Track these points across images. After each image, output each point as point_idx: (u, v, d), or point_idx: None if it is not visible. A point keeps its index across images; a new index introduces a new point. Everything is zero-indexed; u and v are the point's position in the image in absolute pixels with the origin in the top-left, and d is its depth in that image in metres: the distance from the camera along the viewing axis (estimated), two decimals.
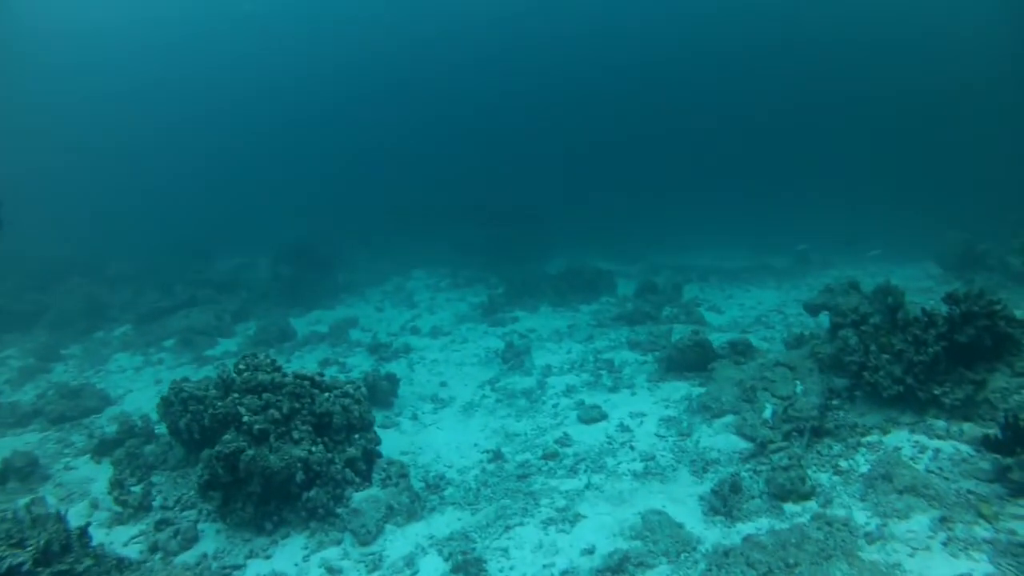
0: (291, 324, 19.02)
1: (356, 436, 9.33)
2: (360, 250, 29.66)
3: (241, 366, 9.18)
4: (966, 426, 8.44)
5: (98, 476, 9.99)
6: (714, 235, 31.70)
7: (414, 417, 12.06)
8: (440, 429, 11.51)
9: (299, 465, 8.36)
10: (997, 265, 17.73)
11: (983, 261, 18.31)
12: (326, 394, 9.31)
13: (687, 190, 45.36)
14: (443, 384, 13.75)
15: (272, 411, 8.71)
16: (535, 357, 14.83)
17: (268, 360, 9.35)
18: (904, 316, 9.66)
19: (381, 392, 12.47)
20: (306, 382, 9.25)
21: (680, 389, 11.67)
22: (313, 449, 8.62)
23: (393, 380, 12.89)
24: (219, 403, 8.76)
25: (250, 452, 8.21)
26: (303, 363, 15.74)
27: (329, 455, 8.78)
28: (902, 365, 9.10)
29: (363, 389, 9.91)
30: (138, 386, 15.03)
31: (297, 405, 8.97)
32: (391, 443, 10.72)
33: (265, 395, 8.84)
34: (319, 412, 9.08)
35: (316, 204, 43.64)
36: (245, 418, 8.53)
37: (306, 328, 19.12)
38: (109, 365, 17.06)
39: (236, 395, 8.82)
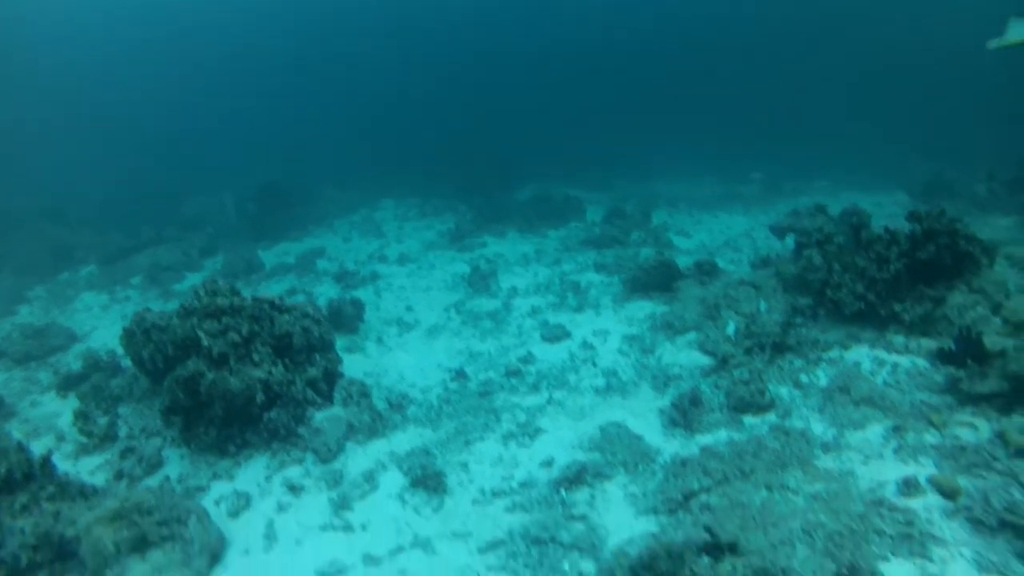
0: (258, 256, 18.63)
1: (317, 356, 9.24)
2: (328, 184, 28.99)
3: (200, 292, 9.00)
4: (924, 341, 8.51)
5: (64, 411, 9.82)
6: (686, 165, 31.34)
7: (379, 341, 11.94)
8: (405, 351, 11.42)
9: (259, 387, 8.27)
10: (964, 192, 17.80)
11: (950, 189, 18.35)
12: (285, 316, 9.17)
13: (659, 121, 44.78)
14: (409, 308, 13.59)
15: (231, 334, 8.57)
16: (501, 280, 14.67)
17: (227, 286, 9.17)
18: (868, 235, 9.64)
19: (346, 317, 12.31)
20: (265, 305, 9.11)
21: (644, 308, 11.63)
22: (273, 370, 8.52)
23: (358, 305, 12.70)
24: (178, 328, 8.58)
25: (210, 376, 8.12)
26: (270, 292, 15.45)
27: (289, 376, 8.69)
28: (864, 282, 9.11)
29: (323, 310, 9.78)
30: (104, 323, 14.72)
31: (257, 328, 8.83)
32: (356, 366, 10.66)
33: (224, 319, 8.68)
34: (279, 334, 8.96)
35: (285, 143, 42.36)
36: (204, 342, 8.41)
37: (273, 260, 18.74)
38: (75, 304, 16.68)
39: (195, 320, 8.66)
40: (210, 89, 63.57)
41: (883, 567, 5.21)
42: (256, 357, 8.60)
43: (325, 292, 15.12)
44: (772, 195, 23.37)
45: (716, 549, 5.25)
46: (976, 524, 5.51)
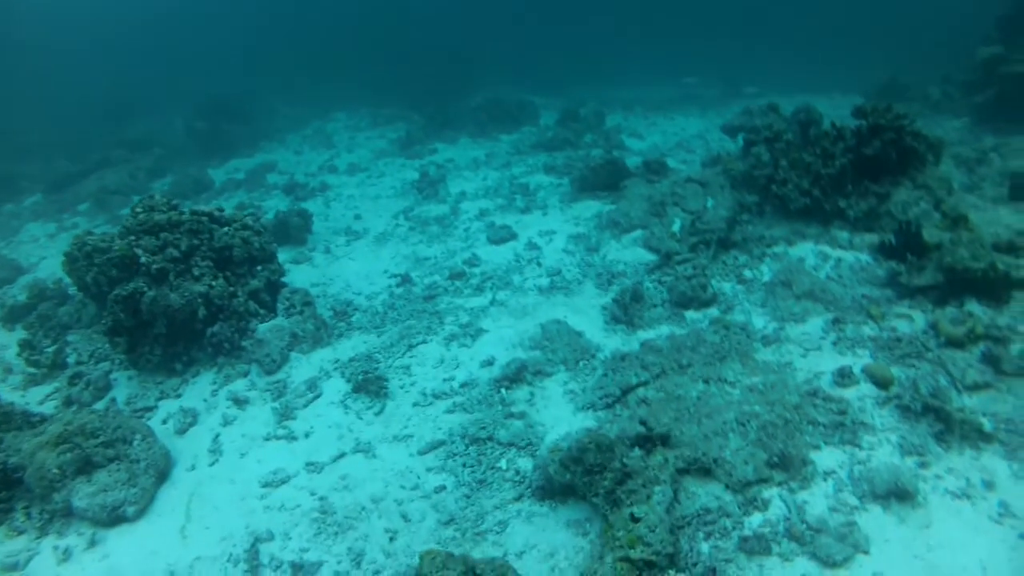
0: (208, 175, 17.89)
1: (259, 268, 8.95)
2: (280, 98, 27.78)
3: (137, 208, 8.57)
4: (868, 237, 8.47)
5: (11, 343, 9.33)
6: (647, 71, 30.75)
7: (327, 251, 11.61)
8: (352, 259, 11.12)
9: (200, 301, 8.02)
10: (918, 96, 17.64)
11: (905, 92, 18.18)
12: (225, 228, 8.81)
13: (621, 25, 43.65)
14: (357, 217, 13.21)
15: (170, 250, 8.24)
16: (450, 185, 14.30)
17: (164, 200, 8.74)
18: (817, 132, 9.45)
19: (293, 228, 11.93)
20: (204, 218, 8.72)
21: (592, 207, 11.41)
22: (214, 284, 8.25)
23: (305, 216, 12.29)
24: (115, 247, 8.18)
25: (151, 293, 7.81)
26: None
27: (231, 288, 8.44)
28: (810, 178, 8.97)
29: (263, 220, 9.46)
30: (52, 253, 13.87)
31: (196, 242, 8.50)
32: (304, 276, 10.43)
33: (163, 235, 8.32)
34: (219, 247, 8.62)
35: (235, 58, 40.22)
36: (143, 259, 8.06)
37: (224, 177, 18.00)
38: (20, 236, 15.74)
39: (132, 237, 8.27)
40: (158, 4, 59.80)
41: (814, 455, 5.24)
42: (197, 271, 8.31)
43: (275, 205, 14.60)
44: (729, 98, 23.02)
45: (648, 441, 5.21)
46: (904, 411, 5.57)
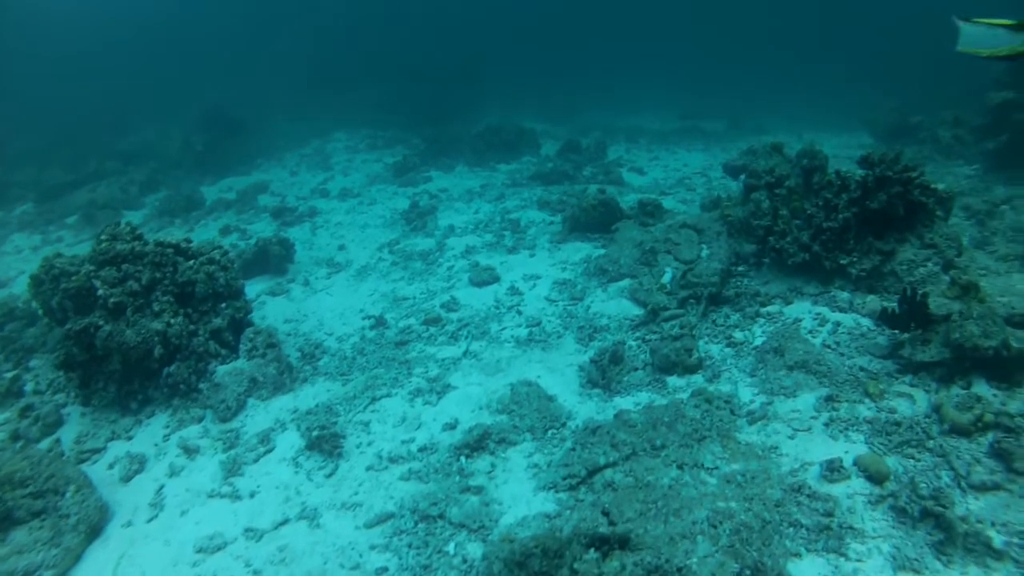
0: (201, 192, 17.60)
1: (223, 305, 8.52)
2: (280, 115, 27.52)
3: (102, 237, 8.17)
4: (870, 299, 7.86)
5: None
6: (653, 98, 30.41)
7: (306, 283, 11.18)
8: (330, 295, 10.67)
9: (157, 339, 7.58)
10: (928, 138, 17.10)
11: (915, 133, 17.67)
12: (190, 262, 8.38)
13: (627, 55, 43.40)
14: (342, 247, 12.79)
15: (131, 283, 7.81)
16: (440, 218, 13.84)
17: (128, 228, 8.33)
18: (821, 180, 8.88)
19: (274, 257, 11.53)
20: (169, 249, 8.31)
21: (581, 250, 10.85)
22: (172, 321, 7.81)
23: (287, 245, 11.87)
24: (73, 278, 7.77)
25: (106, 328, 7.40)
26: (207, 232, 14.57)
27: (192, 327, 7.99)
28: (810, 231, 8.38)
29: (230, 255, 9.04)
30: (32, 267, 13.58)
31: (159, 275, 8.06)
32: (278, 310, 10.03)
33: (124, 266, 7.88)
34: (182, 281, 8.20)
35: (237, 72, 40.11)
36: (100, 291, 7.64)
37: (216, 196, 17.69)
38: (4, 247, 15.47)
39: (91, 268, 7.86)
40: (163, 16, 60.00)
41: (793, 566, 4.60)
42: (157, 307, 7.89)
43: (262, 230, 14.23)
44: (735, 132, 22.52)
45: (605, 543, 4.59)
46: (899, 514, 4.92)
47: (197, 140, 22.16)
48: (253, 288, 10.69)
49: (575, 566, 4.36)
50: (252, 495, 6.22)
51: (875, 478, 5.26)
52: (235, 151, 21.58)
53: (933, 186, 8.32)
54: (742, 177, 12.02)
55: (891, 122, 18.37)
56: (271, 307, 10.10)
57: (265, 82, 35.33)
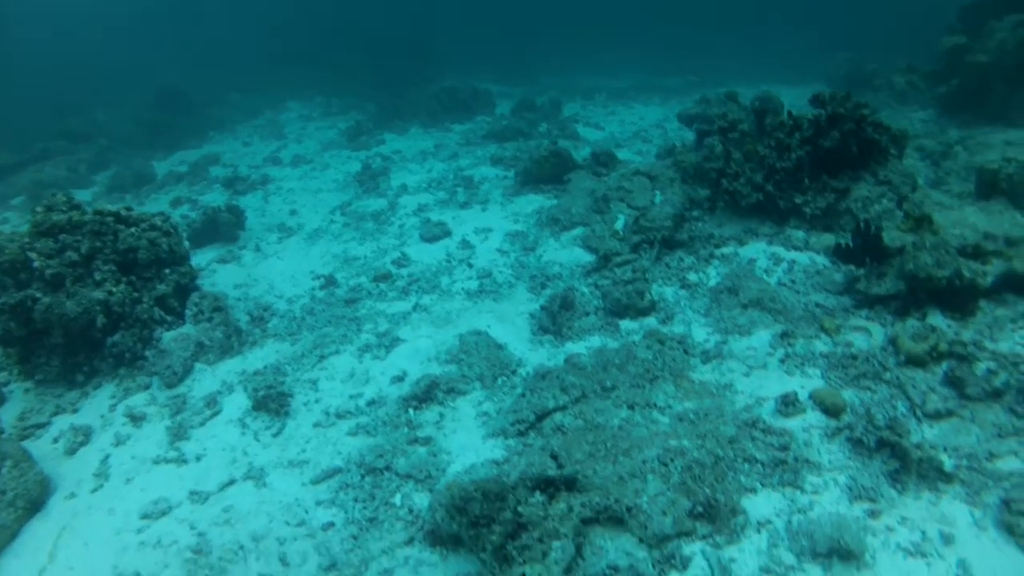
0: (152, 167, 16.91)
1: (167, 271, 8.16)
2: (233, 88, 26.63)
3: (37, 209, 7.82)
4: (825, 237, 7.72)
5: None
6: (616, 60, 30.02)
7: (257, 249, 10.74)
8: (280, 259, 10.26)
9: (99, 309, 7.22)
10: (883, 85, 17.04)
11: (870, 81, 17.59)
12: (131, 229, 7.98)
13: (592, 16, 42.82)
14: (293, 212, 12.35)
15: (69, 253, 7.46)
16: (393, 178, 13.45)
17: (64, 199, 7.95)
18: (772, 122, 8.68)
19: (224, 225, 11.05)
20: (109, 218, 7.92)
21: (534, 202, 10.56)
22: (114, 290, 7.45)
23: (237, 212, 11.41)
24: (7, 250, 7.35)
25: (45, 300, 7.04)
26: (158, 206, 13.96)
27: (136, 294, 7.66)
28: (764, 172, 8.19)
29: (172, 220, 8.67)
30: None
31: (99, 244, 7.69)
32: (228, 277, 9.66)
33: (62, 236, 7.54)
34: (123, 249, 7.82)
35: (188, 46, 38.74)
36: (36, 263, 7.29)
37: (168, 170, 17.01)
38: None
39: (27, 240, 7.50)
40: None
41: (748, 500, 4.44)
42: (98, 276, 7.54)
43: (214, 200, 13.67)
44: (695, 88, 22.28)
45: (551, 485, 4.38)
46: (855, 445, 4.79)
47: (148, 115, 21.39)
48: (204, 257, 10.38)
49: (520, 509, 4.14)
50: (198, 458, 5.97)
51: (831, 411, 5.11)
52: (187, 126, 20.91)
53: (886, 124, 8.18)
54: (696, 125, 11.82)
55: (846, 72, 18.31)
56: (221, 274, 9.75)
57: (219, 59, 34.26)
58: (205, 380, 7.14)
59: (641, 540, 4.17)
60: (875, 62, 18.09)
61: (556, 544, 4.01)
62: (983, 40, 12.77)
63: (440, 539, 4.57)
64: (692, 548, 4.19)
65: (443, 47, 30.52)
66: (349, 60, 28.41)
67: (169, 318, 7.84)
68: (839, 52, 20.17)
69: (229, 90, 26.39)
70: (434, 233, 9.87)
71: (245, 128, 21.37)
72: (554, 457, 4.81)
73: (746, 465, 4.69)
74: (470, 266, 8.82)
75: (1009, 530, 4.10)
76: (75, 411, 6.94)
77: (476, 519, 4.08)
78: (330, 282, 9.01)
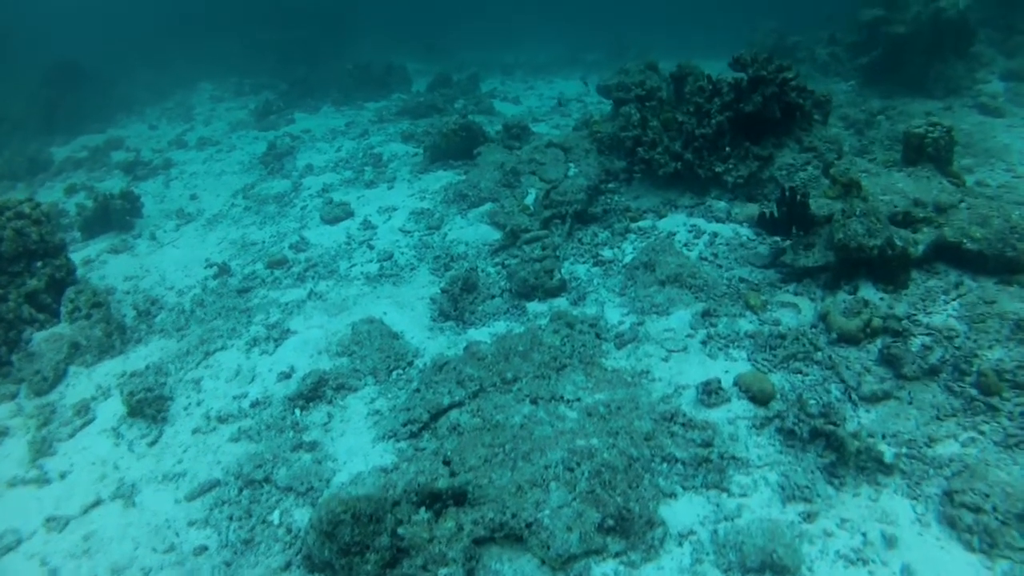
0: (49, 152, 15.72)
1: (39, 264, 7.44)
2: (143, 66, 24.96)
3: None
4: (749, 207, 7.20)
5: None
6: (539, 35, 29.40)
7: (152, 237, 9.92)
8: (176, 247, 9.47)
9: None
10: (806, 57, 16.90)
11: (793, 53, 17.41)
12: None
13: None
14: (194, 197, 11.49)
15: None
16: (299, 158, 12.59)
17: None
18: (691, 87, 8.13)
19: (116, 213, 10.23)
20: None
21: (442, 179, 9.80)
22: None
23: (132, 199, 10.53)
24: None
25: None
26: (52, 194, 12.92)
27: (1, 291, 6.98)
28: (682, 140, 7.62)
29: (42, 207, 7.81)
30: None
31: None
32: (119, 268, 8.94)
33: None
34: None
35: (92, 21, 36.21)
36: None
37: (66, 155, 15.77)
38: None
39: None
40: None
41: (667, 508, 3.82)
42: None
43: (112, 187, 12.54)
44: (617, 62, 21.79)
45: (437, 499, 3.67)
46: (787, 436, 4.24)
47: (46, 95, 19.68)
48: (95, 247, 9.60)
49: (400, 531, 3.44)
50: (63, 476, 5.31)
51: (759, 398, 4.55)
52: (90, 107, 19.50)
53: (810, 88, 7.71)
54: (614, 94, 11.23)
55: (769, 43, 18.06)
56: (112, 266, 8.97)
57: (127, 29, 32.11)
58: (80, 385, 6.43)
59: (543, 562, 3.52)
60: (798, 34, 17.91)
61: (443, 572, 3.34)
62: (900, 11, 12.65)
63: (317, 565, 3.85)
64: (603, 568, 3.56)
65: (361, 23, 29.41)
66: (262, 32, 27.00)
67: (41, 316, 7.10)
68: (764, 21, 20.00)
69: (138, 66, 24.80)
70: (336, 214, 9.08)
71: (154, 111, 20.37)
72: (447, 463, 4.12)
73: (664, 466, 4.08)
74: (371, 248, 8.07)
75: (951, 524, 3.64)
76: None
77: (347, 546, 3.37)
78: (223, 271, 8.27)
